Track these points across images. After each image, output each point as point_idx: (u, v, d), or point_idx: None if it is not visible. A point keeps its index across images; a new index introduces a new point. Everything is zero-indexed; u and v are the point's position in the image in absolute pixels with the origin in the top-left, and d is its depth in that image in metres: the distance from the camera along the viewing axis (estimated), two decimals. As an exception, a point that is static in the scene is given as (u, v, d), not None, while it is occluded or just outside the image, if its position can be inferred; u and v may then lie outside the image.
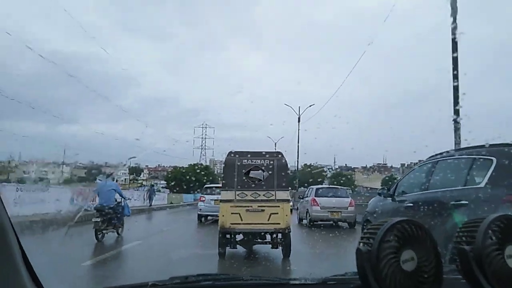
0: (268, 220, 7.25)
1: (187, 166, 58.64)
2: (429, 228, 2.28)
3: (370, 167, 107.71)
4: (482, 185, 4.06)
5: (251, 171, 7.81)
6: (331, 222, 14.16)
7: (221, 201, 7.53)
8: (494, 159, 4.07)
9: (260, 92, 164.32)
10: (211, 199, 15.36)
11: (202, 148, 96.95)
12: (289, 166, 8.58)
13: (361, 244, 0.88)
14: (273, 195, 7.35)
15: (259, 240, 7.69)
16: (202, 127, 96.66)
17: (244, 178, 7.48)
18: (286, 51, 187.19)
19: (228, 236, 7.44)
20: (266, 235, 7.67)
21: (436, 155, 5.39)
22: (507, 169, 3.89)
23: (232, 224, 7.27)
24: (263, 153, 7.90)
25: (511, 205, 3.64)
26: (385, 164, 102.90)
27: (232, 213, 7.29)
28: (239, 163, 7.56)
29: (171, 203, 37.16)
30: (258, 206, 7.29)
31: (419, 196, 5.20)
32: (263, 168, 7.68)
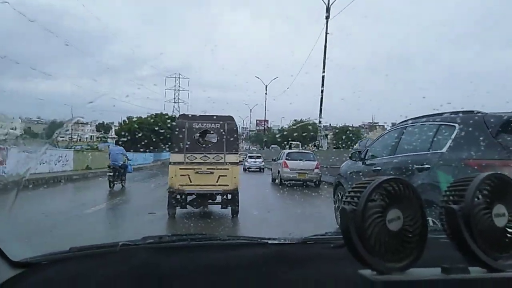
0: (217, 181, 7.45)
1: (145, 116, 45.89)
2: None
3: (360, 126, 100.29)
4: (444, 150, 4.23)
5: (201, 134, 7.90)
6: (298, 181, 15.72)
7: (170, 163, 7.60)
8: (457, 126, 4.21)
9: (242, 52, 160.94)
10: None
11: (175, 102, 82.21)
12: (239, 130, 8.83)
13: (346, 203, 0.83)
14: (222, 158, 7.48)
15: (208, 200, 7.87)
16: (175, 77, 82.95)
17: (194, 141, 7.55)
18: (271, 8, 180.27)
19: (178, 197, 7.54)
20: (217, 196, 7.85)
21: (406, 120, 5.50)
22: (467, 135, 4.05)
23: (180, 185, 7.40)
24: (214, 117, 7.91)
25: (470, 168, 3.81)
26: (376, 122, 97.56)
27: (181, 175, 7.41)
28: (189, 126, 7.54)
29: (87, 168, 21.45)
30: (207, 169, 7.44)
31: (387, 160, 5.38)
32: (213, 131, 7.75)
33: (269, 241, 1.16)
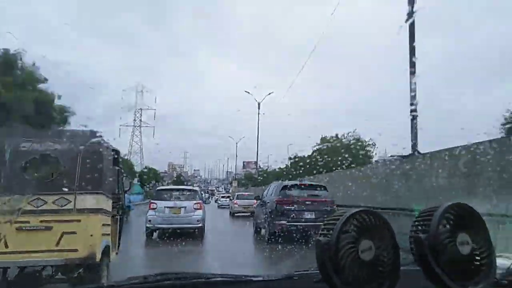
0: (57, 244, 4.24)
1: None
2: (260, 212, 12.02)
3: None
4: (272, 195, 10.63)
5: (31, 162, 4.75)
6: (244, 213, 22.31)
7: None
8: (273, 186, 11.83)
9: (226, 96, 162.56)
10: (165, 206, 11.53)
11: (135, 120, 63.75)
12: (111, 153, 5.17)
13: (321, 235, 0.83)
14: (70, 201, 4.39)
15: (49, 277, 4.52)
16: (137, 91, 63.15)
17: (17, 173, 4.48)
18: (252, 56, 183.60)
19: None
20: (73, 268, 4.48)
21: (282, 181, 12.26)
22: (276, 189, 10.78)
23: None
24: (59, 131, 5.00)
25: (275, 203, 9.90)
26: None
27: None
28: (13, 149, 4.62)
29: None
30: (41, 222, 4.28)
31: (264, 199, 11.44)
32: (57, 156, 4.68)
33: (254, 278, 1.14)
